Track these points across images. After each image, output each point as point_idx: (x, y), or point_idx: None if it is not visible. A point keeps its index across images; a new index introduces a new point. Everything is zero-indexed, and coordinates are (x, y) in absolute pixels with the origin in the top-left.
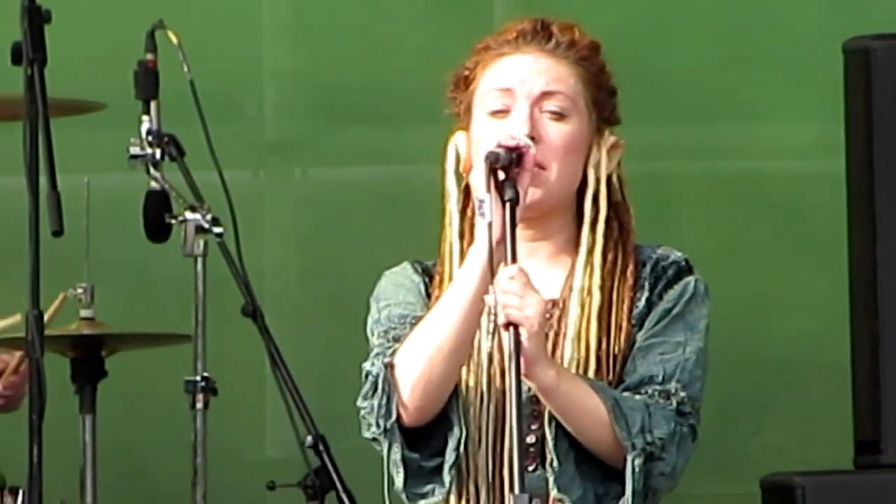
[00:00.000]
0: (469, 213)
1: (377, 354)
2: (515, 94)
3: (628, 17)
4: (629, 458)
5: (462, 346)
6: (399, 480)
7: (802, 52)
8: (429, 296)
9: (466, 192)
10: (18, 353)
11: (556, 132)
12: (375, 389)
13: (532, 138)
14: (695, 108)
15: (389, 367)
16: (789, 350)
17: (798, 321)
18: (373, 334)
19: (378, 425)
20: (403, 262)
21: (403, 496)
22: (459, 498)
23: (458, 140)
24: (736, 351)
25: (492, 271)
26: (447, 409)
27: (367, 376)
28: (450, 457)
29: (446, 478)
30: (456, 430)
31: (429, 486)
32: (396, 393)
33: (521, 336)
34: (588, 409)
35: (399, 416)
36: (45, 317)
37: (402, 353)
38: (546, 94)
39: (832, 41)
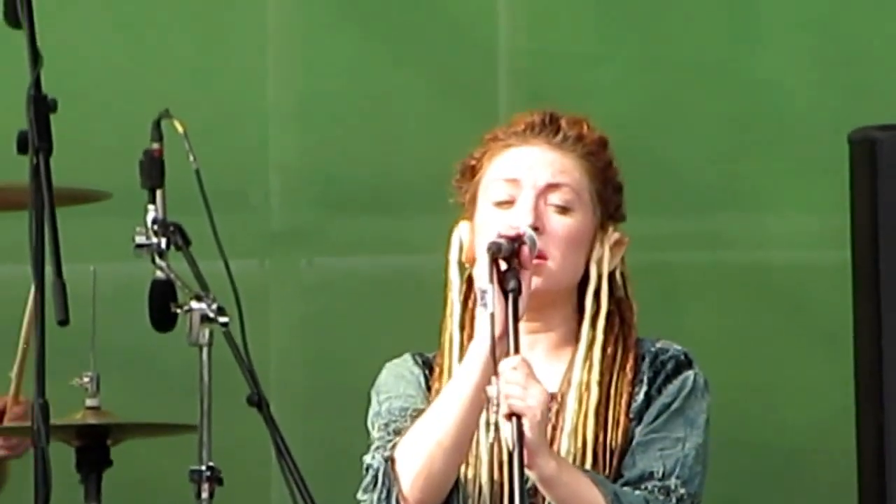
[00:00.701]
0: (471, 303)
1: (377, 448)
2: (521, 184)
3: (633, 108)
4: None
5: (463, 439)
6: None
7: (808, 142)
8: (429, 388)
9: (469, 283)
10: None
11: (560, 225)
12: (376, 483)
13: (536, 229)
14: (700, 198)
15: (390, 461)
16: (795, 439)
17: (804, 411)
18: (373, 427)
19: None
20: (405, 354)
21: None
22: None
23: (461, 230)
24: (741, 440)
25: (494, 362)
26: (449, 502)
27: (367, 469)
28: None
29: None
30: None
31: None
32: (397, 487)
33: (523, 427)
34: (588, 502)
35: None
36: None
37: (403, 447)
38: (551, 186)
39: (838, 131)
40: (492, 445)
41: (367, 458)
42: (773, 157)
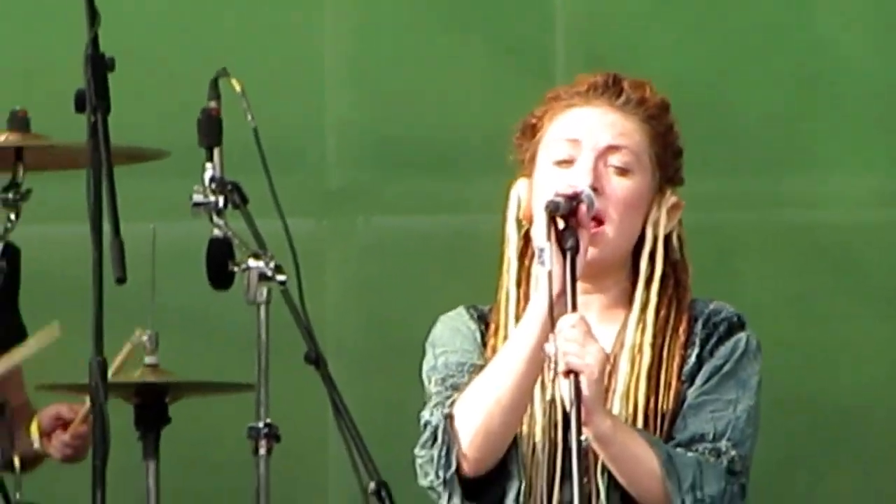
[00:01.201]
0: (528, 261)
1: (436, 404)
2: (581, 144)
3: (690, 68)
4: None
5: (522, 398)
6: None
7: (867, 102)
8: (484, 344)
9: (526, 240)
10: (88, 403)
11: (619, 186)
12: (435, 440)
13: (594, 189)
14: (757, 158)
15: (449, 418)
16: (850, 399)
17: (859, 371)
18: (429, 381)
19: (437, 476)
20: (459, 308)
21: None
22: None
23: (520, 187)
24: (797, 400)
25: (552, 320)
26: (506, 460)
27: (426, 426)
28: None
29: None
30: (515, 481)
31: None
32: (456, 444)
33: (581, 384)
34: (641, 462)
35: (458, 467)
36: (112, 367)
37: (462, 404)
38: (612, 148)
39: None
40: (548, 403)
41: (426, 414)
42: (832, 117)
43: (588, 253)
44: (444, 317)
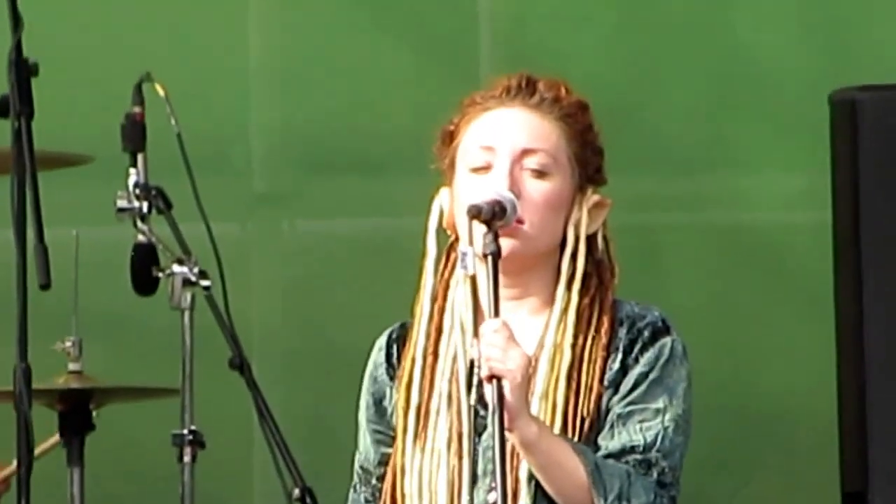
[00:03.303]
0: (447, 272)
1: (354, 487)
2: (497, 151)
3: (614, 69)
4: None
5: None
6: None
7: (788, 102)
8: (395, 366)
9: (449, 252)
10: (9, 468)
11: (537, 189)
12: None
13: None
14: (681, 159)
15: None
16: (776, 402)
17: (784, 373)
18: (358, 432)
19: None
20: (382, 335)
21: None
22: None
23: (441, 197)
24: (722, 404)
25: (475, 325)
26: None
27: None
28: None
29: None
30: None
31: None
32: None
33: (503, 389)
34: (567, 470)
35: None
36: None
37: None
38: (527, 151)
39: (818, 91)
40: (473, 407)
41: (350, 494)
42: (754, 117)
43: (506, 246)
44: (374, 347)
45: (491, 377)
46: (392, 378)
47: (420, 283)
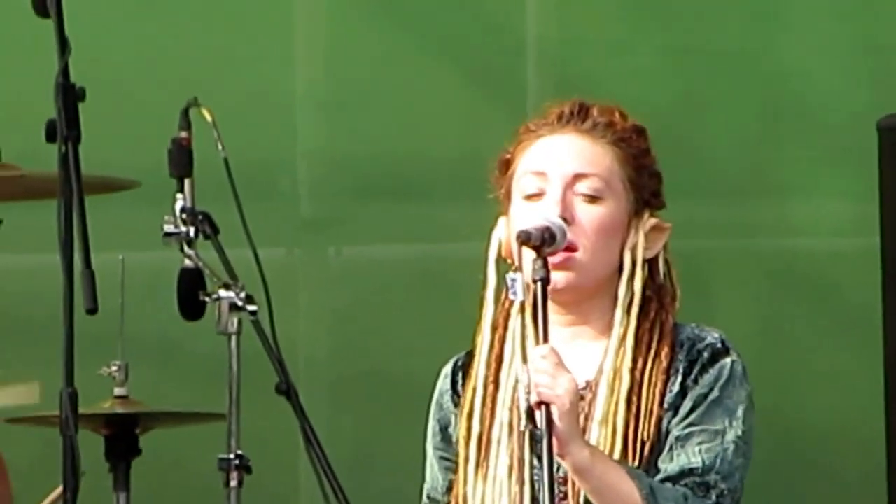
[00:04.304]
0: (507, 303)
1: None
2: (548, 176)
3: (661, 95)
4: None
5: None
6: None
7: (836, 128)
8: (460, 394)
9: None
10: (56, 491)
11: (589, 214)
12: None
13: (565, 220)
14: (729, 185)
15: None
16: (823, 428)
17: (832, 400)
18: (426, 462)
19: None
20: (451, 359)
21: None
22: None
23: (499, 227)
24: (768, 430)
25: (524, 351)
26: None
27: None
28: None
29: None
30: None
31: None
32: None
33: (552, 415)
34: (621, 494)
35: None
36: None
37: None
38: (579, 176)
39: (866, 118)
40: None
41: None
42: (802, 144)
43: (563, 278)
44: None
45: (539, 403)
46: (457, 405)
47: (481, 313)
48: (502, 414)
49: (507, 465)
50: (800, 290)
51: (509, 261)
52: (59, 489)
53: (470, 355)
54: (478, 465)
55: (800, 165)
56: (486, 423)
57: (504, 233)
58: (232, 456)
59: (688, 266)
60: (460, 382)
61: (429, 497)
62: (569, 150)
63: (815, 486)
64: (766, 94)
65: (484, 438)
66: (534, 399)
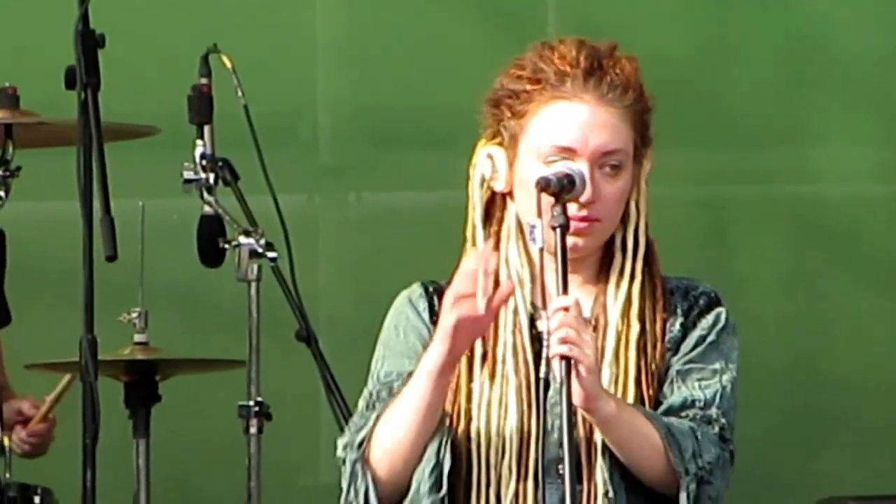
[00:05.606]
0: (491, 228)
1: (355, 431)
2: (578, 153)
3: (682, 42)
4: (683, 484)
5: (433, 418)
6: None
7: (859, 76)
8: (435, 318)
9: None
10: (49, 398)
11: (613, 187)
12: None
13: (592, 202)
14: (750, 132)
15: (362, 461)
16: (846, 374)
17: (855, 347)
18: (367, 385)
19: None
20: (415, 284)
21: None
22: None
23: (496, 157)
24: (792, 374)
25: (543, 295)
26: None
27: (342, 461)
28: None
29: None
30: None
31: None
32: (372, 485)
33: (574, 368)
34: (645, 437)
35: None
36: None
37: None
38: (607, 154)
39: (889, 66)
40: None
41: (340, 444)
42: (824, 91)
43: (583, 243)
44: (396, 302)
45: (563, 357)
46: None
47: (465, 234)
48: (506, 336)
49: (514, 385)
50: (822, 237)
51: (496, 188)
52: (68, 376)
53: (435, 284)
54: (491, 376)
55: (823, 112)
56: (490, 342)
57: (502, 165)
58: (252, 403)
59: (709, 213)
60: (436, 305)
61: (384, 382)
62: (594, 125)
63: (838, 430)
64: (789, 40)
65: (489, 356)
66: (554, 350)
